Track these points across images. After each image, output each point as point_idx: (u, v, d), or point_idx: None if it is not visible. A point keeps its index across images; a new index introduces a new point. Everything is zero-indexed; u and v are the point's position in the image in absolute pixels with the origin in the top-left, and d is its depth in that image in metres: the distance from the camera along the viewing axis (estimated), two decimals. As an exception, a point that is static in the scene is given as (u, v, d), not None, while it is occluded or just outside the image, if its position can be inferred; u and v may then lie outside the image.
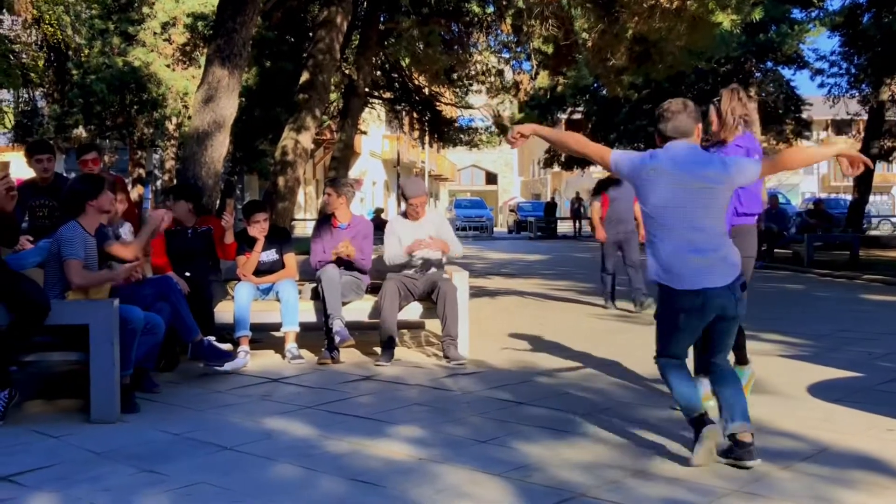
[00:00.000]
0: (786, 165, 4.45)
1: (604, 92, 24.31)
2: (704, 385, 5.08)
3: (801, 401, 5.39)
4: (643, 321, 9.36)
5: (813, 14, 23.01)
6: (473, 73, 19.89)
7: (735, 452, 3.98)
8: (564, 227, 40.28)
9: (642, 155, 4.22)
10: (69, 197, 5.44)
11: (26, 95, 23.75)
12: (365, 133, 31.14)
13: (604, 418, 4.92)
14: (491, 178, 72.41)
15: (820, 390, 5.64)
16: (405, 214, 7.19)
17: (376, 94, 21.20)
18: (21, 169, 16.71)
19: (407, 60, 18.02)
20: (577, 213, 39.17)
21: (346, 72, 16.35)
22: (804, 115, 28.08)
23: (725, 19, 9.49)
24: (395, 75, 20.59)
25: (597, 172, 52.51)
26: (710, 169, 4.10)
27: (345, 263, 6.99)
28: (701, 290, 4.00)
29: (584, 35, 12.22)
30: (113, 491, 3.68)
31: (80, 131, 22.54)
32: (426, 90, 21.60)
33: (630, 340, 7.73)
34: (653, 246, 4.15)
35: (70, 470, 3.98)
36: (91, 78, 20.03)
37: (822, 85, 24.92)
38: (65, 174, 7.99)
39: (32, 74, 21.37)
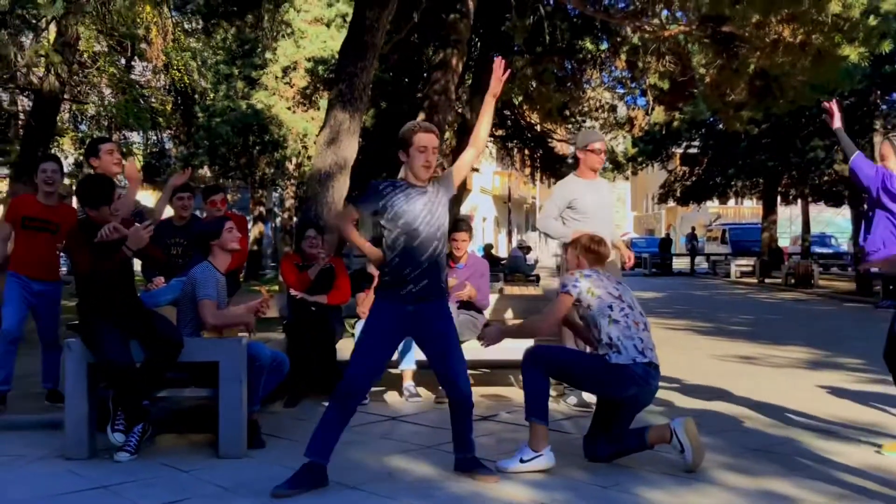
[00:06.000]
0: None
1: (721, 126, 23.82)
2: None
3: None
4: (768, 363, 9.07)
5: (944, 42, 22.06)
6: (587, 109, 19.81)
7: None
8: (679, 263, 39.45)
9: None
10: (198, 239, 5.67)
11: (155, 137, 24.93)
12: (476, 170, 31.39)
13: (731, 464, 4.77)
14: (603, 214, 71.65)
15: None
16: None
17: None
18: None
19: (519, 98, 18.10)
20: (692, 249, 38.37)
21: (460, 111, 16.54)
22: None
23: (853, 52, 9.19)
24: (508, 112, 20.70)
25: (713, 207, 51.41)
26: None
27: (462, 303, 7.02)
28: None
29: (702, 70, 12.03)
30: (243, 526, 3.77)
31: (205, 171, 23.50)
32: (538, 127, 21.63)
33: (757, 384, 7.49)
34: None
35: (201, 504, 4.10)
36: (216, 121, 20.90)
37: (951, 117, 23.80)
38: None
39: (160, 118, 22.44)
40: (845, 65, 10.00)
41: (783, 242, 39.22)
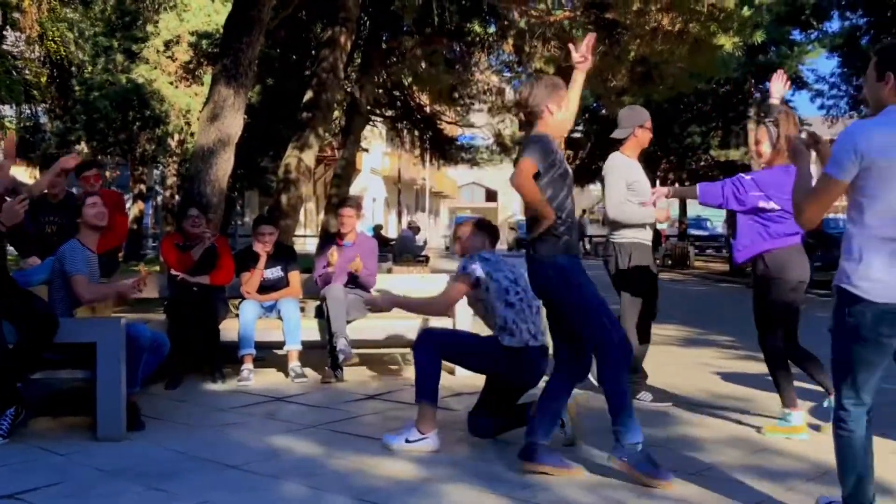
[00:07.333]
0: None
1: (604, 112, 24.40)
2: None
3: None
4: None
5: (812, 35, 23.15)
6: (475, 92, 19.95)
7: None
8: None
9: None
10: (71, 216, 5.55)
11: (29, 111, 23.85)
12: (366, 150, 31.21)
13: (608, 438, 4.93)
14: (491, 196, 72.49)
15: (823, 412, 5.66)
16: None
17: (378, 111, 21.28)
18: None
19: (409, 79, 18.11)
20: (580, 230, 39.28)
21: (349, 90, 16.42)
22: (803, 136, 28.11)
23: (727, 41, 9.57)
24: (397, 93, 20.66)
25: (596, 191, 52.52)
26: None
27: (350, 281, 7.02)
28: None
29: (586, 56, 12.28)
30: (121, 509, 3.71)
31: (83, 147, 22.63)
32: (427, 108, 21.68)
33: (632, 360, 7.76)
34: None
35: (78, 488, 3.99)
36: (94, 94, 20.17)
37: (821, 106, 25.03)
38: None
39: (35, 91, 21.48)
40: (721, 54, 10.40)
41: (661, 225, 40.43)
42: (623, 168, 5.99)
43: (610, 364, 4.18)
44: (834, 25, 24.17)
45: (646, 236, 6.08)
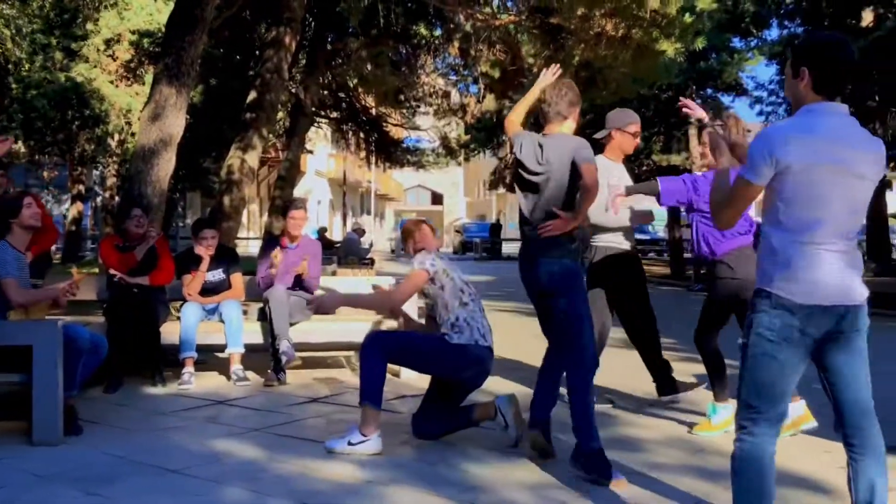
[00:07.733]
0: None
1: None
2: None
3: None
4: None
5: (752, 43, 23.60)
6: (421, 94, 19.98)
7: None
8: (509, 247, 40.50)
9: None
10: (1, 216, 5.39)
11: (-39, 109, 23.19)
12: (311, 152, 31.04)
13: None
14: (437, 199, 72.65)
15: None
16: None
17: (323, 113, 21.17)
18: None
19: (354, 81, 18.06)
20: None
21: (294, 91, 16.32)
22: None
23: (669, 48, 9.73)
24: (342, 95, 20.59)
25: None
26: None
27: (295, 284, 6.96)
28: None
29: (531, 60, 12.40)
30: (57, 515, 3.63)
31: (20, 147, 22.10)
32: (373, 111, 21.64)
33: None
34: None
35: (13, 494, 3.89)
36: (32, 93, 19.70)
37: (760, 112, 25.48)
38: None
39: (-32, 89, 20.88)
40: (663, 59, 10.56)
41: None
42: (609, 171, 5.91)
43: (583, 370, 4.40)
44: (773, 34, 24.65)
45: (621, 240, 6.12)
